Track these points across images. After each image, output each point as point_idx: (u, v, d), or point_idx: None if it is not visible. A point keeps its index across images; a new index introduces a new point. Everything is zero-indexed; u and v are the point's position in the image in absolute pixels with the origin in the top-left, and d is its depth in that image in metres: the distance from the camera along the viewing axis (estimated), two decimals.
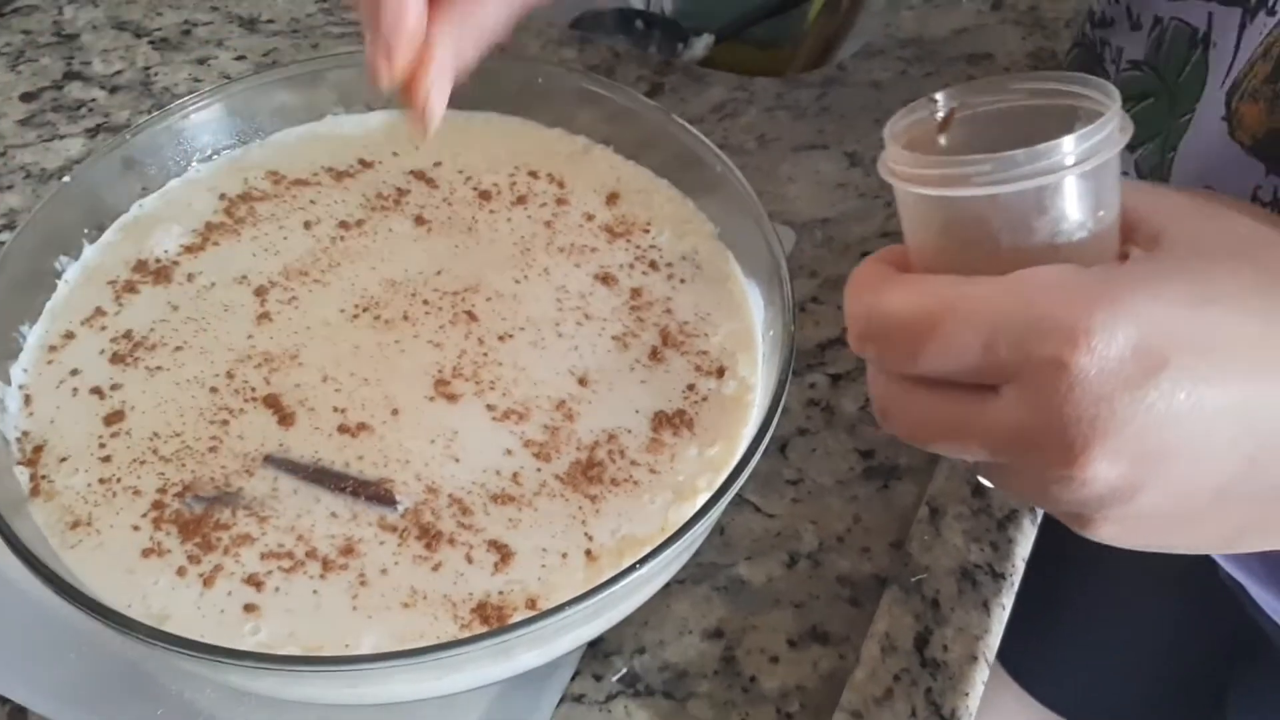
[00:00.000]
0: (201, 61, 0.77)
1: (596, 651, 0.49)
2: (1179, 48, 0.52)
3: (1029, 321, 0.32)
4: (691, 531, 0.43)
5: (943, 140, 0.37)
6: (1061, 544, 0.65)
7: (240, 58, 0.78)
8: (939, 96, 0.37)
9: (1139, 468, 0.32)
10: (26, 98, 0.75)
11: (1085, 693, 0.80)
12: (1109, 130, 0.33)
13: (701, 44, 0.96)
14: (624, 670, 0.49)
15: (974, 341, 0.32)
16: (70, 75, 0.77)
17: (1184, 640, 0.80)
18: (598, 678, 0.48)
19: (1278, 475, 0.33)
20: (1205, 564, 0.70)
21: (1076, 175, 0.33)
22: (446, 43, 0.46)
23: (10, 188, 0.69)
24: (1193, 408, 0.31)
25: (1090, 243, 0.34)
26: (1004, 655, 0.81)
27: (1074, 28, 0.79)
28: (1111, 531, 0.34)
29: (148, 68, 0.77)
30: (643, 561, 0.42)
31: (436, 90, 0.47)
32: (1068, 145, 0.32)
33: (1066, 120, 0.35)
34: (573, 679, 0.48)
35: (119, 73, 0.77)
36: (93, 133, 0.73)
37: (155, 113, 0.59)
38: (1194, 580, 0.75)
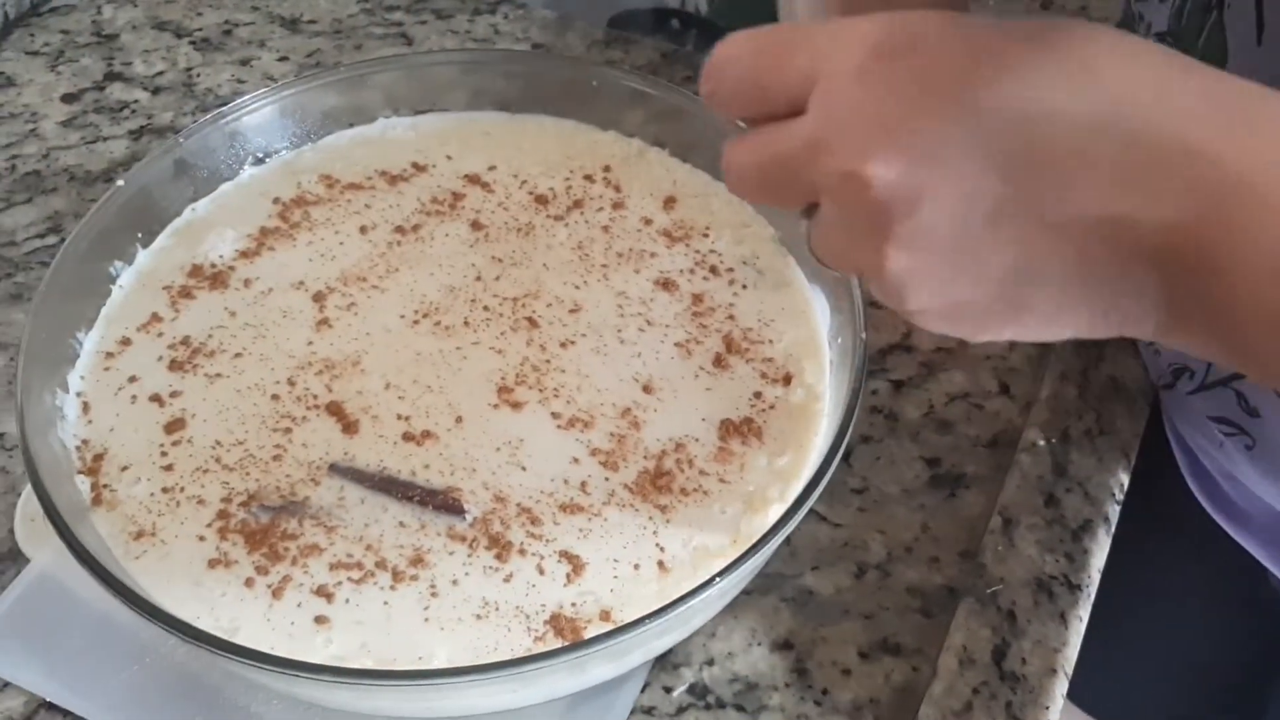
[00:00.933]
0: (244, 62, 0.77)
1: (665, 663, 0.48)
2: (1196, 13, 0.52)
3: (823, 45, 0.34)
4: (769, 544, 0.42)
5: None
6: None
7: (283, 58, 0.77)
8: None
9: (917, 168, 0.32)
10: (68, 99, 0.75)
11: (1128, 703, 0.79)
12: None
13: None
14: (693, 682, 0.48)
15: (781, 61, 0.35)
16: (111, 76, 0.76)
17: (1227, 650, 0.79)
18: (667, 690, 0.48)
19: (1045, 204, 0.33)
20: (1251, 575, 0.69)
21: None
22: None
23: (54, 190, 0.69)
24: (967, 111, 0.32)
25: None
26: None
27: (1086, 16, 0.78)
28: (901, 266, 0.34)
29: (189, 68, 0.77)
30: (722, 574, 0.41)
31: None
32: None
33: None
34: (642, 691, 0.47)
35: (160, 73, 0.76)
36: (136, 134, 0.72)
37: (207, 115, 0.58)
38: (1238, 590, 0.74)
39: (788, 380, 0.51)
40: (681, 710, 0.47)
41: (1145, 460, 0.69)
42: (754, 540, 0.45)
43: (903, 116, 0.32)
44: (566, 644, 0.43)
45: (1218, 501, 0.66)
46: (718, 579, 0.41)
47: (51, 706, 0.47)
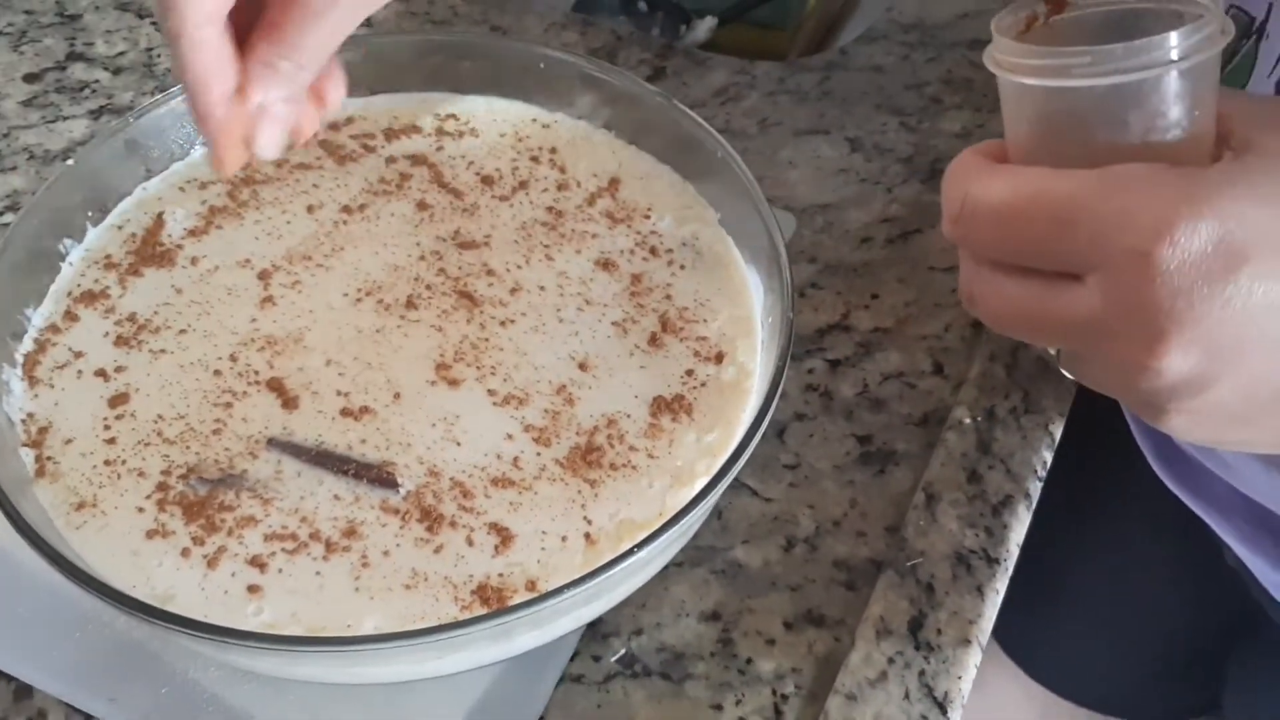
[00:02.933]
0: None
1: (595, 633, 0.50)
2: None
3: (1115, 212, 0.33)
4: (689, 516, 0.43)
5: (1050, 39, 0.38)
6: (1059, 526, 0.66)
7: None
8: None
9: (1213, 361, 0.33)
10: (30, 79, 0.76)
11: (1082, 672, 0.81)
12: (1210, 30, 0.34)
13: (704, 26, 0.95)
14: (622, 651, 0.49)
15: (1059, 230, 0.34)
16: (73, 56, 0.77)
17: (1182, 619, 0.80)
18: (596, 659, 0.49)
19: None
20: (1209, 548, 0.71)
21: (1175, 72, 0.34)
22: (269, 85, 0.43)
23: (14, 169, 0.70)
24: (1270, 305, 0.32)
25: (1184, 143, 0.35)
26: (1001, 635, 0.82)
27: None
28: (1180, 423, 0.35)
29: (150, 49, 0.77)
30: (640, 545, 0.42)
31: (263, 137, 0.44)
32: (1169, 41, 0.33)
33: (1169, 25, 0.35)
34: (571, 659, 0.49)
35: (122, 54, 0.77)
36: (96, 114, 0.73)
37: (158, 95, 0.59)
38: (1194, 561, 0.75)
39: (720, 358, 0.52)
40: (609, 678, 0.48)
41: (1106, 436, 0.71)
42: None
43: (1196, 315, 0.32)
44: (489, 610, 0.44)
45: (1182, 479, 0.67)
46: (636, 549, 0.42)
47: None
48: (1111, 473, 0.77)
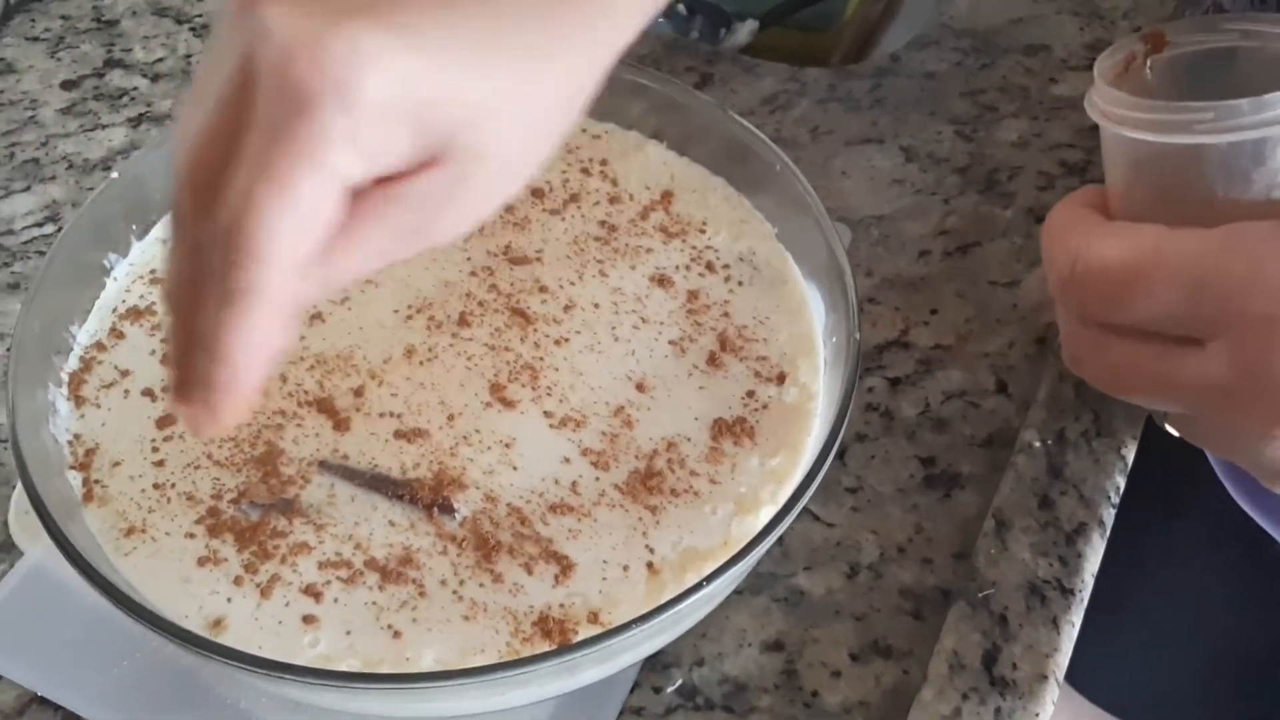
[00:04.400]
0: None
1: (654, 663, 0.48)
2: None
3: (1241, 275, 0.31)
4: (759, 548, 0.42)
5: (1148, 76, 0.36)
6: (1113, 540, 0.64)
7: None
8: (1148, 33, 0.36)
9: None
10: (67, 85, 0.75)
11: (1139, 691, 0.79)
12: None
13: (745, 29, 0.94)
14: (682, 682, 0.48)
15: (1181, 295, 0.32)
16: (111, 63, 0.76)
17: (1242, 636, 0.79)
18: (656, 690, 0.48)
19: None
20: (1270, 562, 0.69)
21: None
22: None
23: (53, 179, 0.69)
24: None
25: None
26: None
27: (1133, 19, 0.77)
28: None
29: (189, 55, 0.76)
30: (710, 579, 0.41)
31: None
32: None
33: (1276, 67, 0.33)
34: (631, 691, 0.47)
35: (160, 60, 0.76)
36: (135, 122, 0.72)
37: None
38: (1254, 578, 0.74)
39: (781, 379, 0.51)
40: (670, 711, 0.47)
41: (1163, 449, 0.69)
42: (744, 542, 0.45)
43: None
44: (554, 647, 0.42)
45: (1255, 495, 0.65)
46: (707, 582, 0.41)
47: (43, 701, 0.47)
48: (1169, 485, 0.75)
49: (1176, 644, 0.79)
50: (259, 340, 0.31)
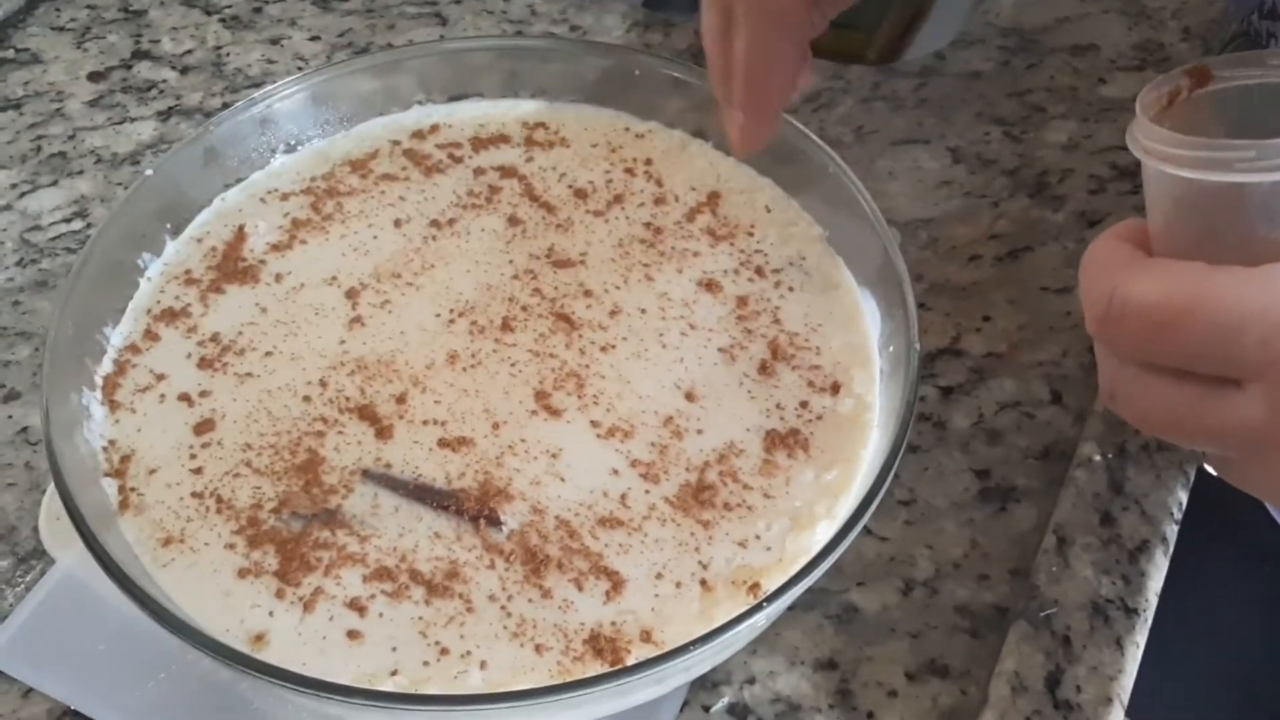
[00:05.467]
0: (274, 41, 0.75)
1: (704, 680, 0.47)
2: None
3: (1275, 322, 0.30)
4: (819, 569, 0.40)
5: (1191, 114, 0.35)
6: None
7: (314, 38, 0.75)
8: (1191, 67, 0.35)
9: None
10: (94, 77, 0.73)
11: (1178, 711, 0.77)
12: None
13: None
14: (733, 701, 0.46)
15: (1221, 335, 0.31)
16: (139, 54, 0.75)
17: (1277, 657, 0.77)
18: (706, 709, 0.46)
19: None
20: None
21: None
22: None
23: (80, 173, 0.67)
24: None
25: None
26: None
27: (1181, 18, 0.75)
28: None
29: (219, 47, 0.75)
30: (771, 599, 0.40)
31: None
32: None
33: None
34: (681, 710, 0.46)
35: (189, 52, 0.75)
36: (164, 116, 0.70)
37: (237, 99, 0.56)
38: None
39: (836, 389, 0.49)
40: None
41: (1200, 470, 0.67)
42: (799, 559, 0.44)
43: None
44: (607, 668, 0.41)
45: None
46: (766, 604, 0.40)
47: (75, 714, 0.46)
48: (1211, 510, 0.74)
49: (1216, 670, 0.77)
50: (778, 62, 0.43)
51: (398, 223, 0.55)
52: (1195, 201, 0.33)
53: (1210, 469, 0.36)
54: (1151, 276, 0.33)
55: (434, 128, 0.60)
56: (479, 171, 0.58)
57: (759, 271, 0.54)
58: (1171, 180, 0.33)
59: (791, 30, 0.42)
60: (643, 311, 0.52)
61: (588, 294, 0.52)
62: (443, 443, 0.47)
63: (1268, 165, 0.31)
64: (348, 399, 0.49)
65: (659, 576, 0.44)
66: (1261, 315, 0.31)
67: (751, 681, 0.47)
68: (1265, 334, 0.30)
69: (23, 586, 0.50)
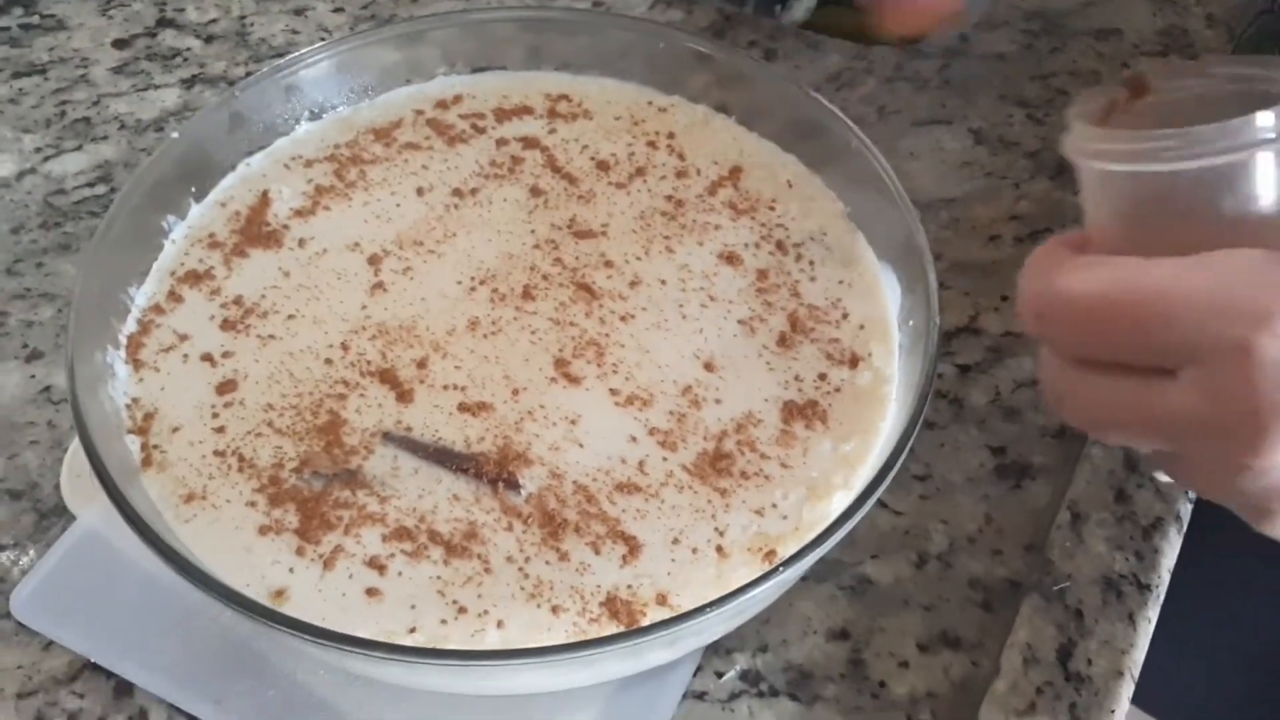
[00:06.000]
0: (298, 12, 0.75)
1: (717, 647, 0.47)
2: None
3: (1212, 304, 0.30)
4: (834, 537, 0.41)
5: (1132, 125, 0.35)
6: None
7: (338, 9, 0.75)
8: (1129, 77, 0.35)
9: None
10: (119, 44, 0.74)
11: (1192, 699, 0.77)
12: None
13: (802, 6, 0.92)
14: (745, 668, 0.47)
15: (1151, 323, 0.31)
16: (163, 22, 0.75)
17: None
18: (719, 674, 0.47)
19: None
20: None
21: (1271, 153, 0.31)
22: None
23: (105, 139, 0.68)
24: None
25: (1276, 223, 0.32)
26: None
27: (1206, 4, 0.75)
28: None
29: (243, 17, 0.75)
30: (787, 564, 0.40)
31: None
32: (1261, 121, 0.31)
33: (1257, 106, 0.32)
34: (694, 674, 0.46)
35: (214, 21, 0.75)
36: (188, 84, 0.71)
37: (262, 66, 0.57)
38: None
39: (854, 362, 0.50)
40: (734, 696, 0.46)
41: None
42: (816, 528, 0.44)
43: None
44: (622, 629, 0.41)
45: None
46: (781, 569, 0.40)
47: (95, 667, 0.47)
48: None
49: (1226, 650, 0.77)
50: None
51: (420, 191, 0.56)
52: (1126, 195, 0.33)
53: (1161, 476, 0.36)
54: (1084, 270, 0.33)
55: (457, 98, 0.60)
56: (502, 142, 0.58)
57: (780, 245, 0.54)
58: (1100, 176, 0.34)
59: None
60: (663, 282, 0.52)
61: (608, 264, 0.53)
62: (463, 407, 0.48)
63: (1193, 153, 0.31)
64: (369, 362, 0.49)
65: (675, 542, 0.44)
66: (1190, 302, 0.31)
67: (764, 649, 0.47)
68: (1194, 320, 0.30)
69: (44, 542, 0.51)
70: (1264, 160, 0.31)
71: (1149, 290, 0.31)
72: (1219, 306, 0.30)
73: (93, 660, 0.47)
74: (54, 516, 0.52)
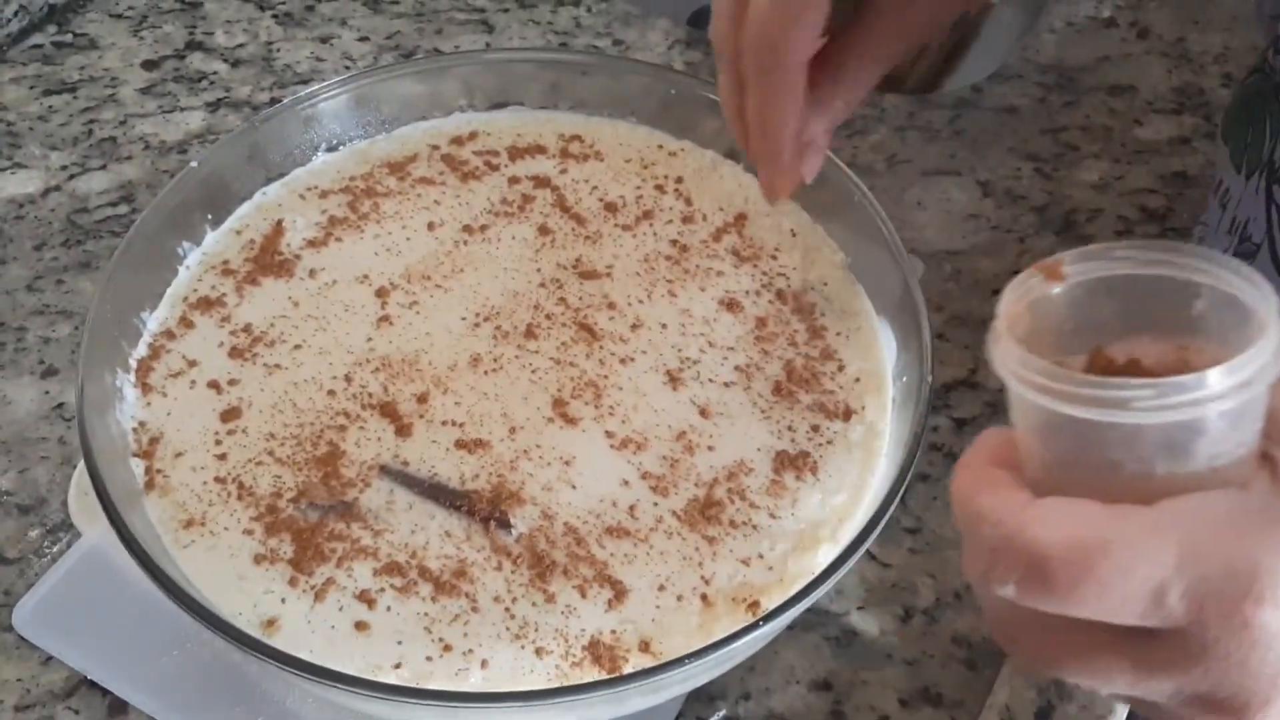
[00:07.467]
0: (324, 40, 0.77)
1: (700, 693, 0.48)
2: None
3: (1200, 571, 0.28)
4: (817, 591, 0.41)
5: (1045, 311, 0.34)
6: None
7: (363, 38, 0.77)
8: (1043, 264, 0.33)
9: None
10: (148, 65, 0.75)
11: None
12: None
13: None
14: (727, 716, 0.47)
15: (1139, 588, 0.29)
16: (192, 45, 0.77)
17: None
18: None
19: None
20: None
21: (1249, 396, 0.29)
22: (827, 122, 0.47)
23: (129, 159, 0.69)
24: None
25: (1244, 459, 0.31)
26: None
27: (1223, 64, 0.75)
28: None
29: (270, 42, 0.77)
30: (769, 618, 0.40)
31: (809, 165, 0.48)
32: (1246, 366, 0.29)
33: (1185, 289, 0.31)
34: (676, 719, 0.47)
35: (241, 45, 0.76)
36: (213, 107, 0.72)
37: (284, 97, 0.58)
38: None
39: (848, 415, 0.50)
40: None
41: None
42: (800, 580, 0.44)
43: None
44: (604, 674, 0.42)
45: None
46: (763, 622, 0.41)
47: (91, 684, 0.48)
48: None
49: None
50: (790, 119, 0.45)
51: (431, 226, 0.57)
52: (1081, 436, 0.30)
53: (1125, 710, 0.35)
54: (1053, 522, 0.30)
55: (473, 134, 0.61)
56: (514, 180, 0.59)
57: (780, 294, 0.55)
58: (1059, 417, 0.30)
59: (797, 91, 0.44)
60: (664, 326, 0.53)
61: (611, 306, 0.54)
62: (460, 444, 0.48)
63: (1168, 404, 0.29)
64: (370, 395, 0.50)
65: (661, 588, 0.45)
66: (1178, 567, 0.28)
67: (747, 697, 0.48)
68: (1185, 588, 0.28)
69: (49, 557, 0.52)
70: (1246, 402, 0.29)
71: (1129, 551, 0.29)
72: (1206, 574, 0.28)
73: (89, 677, 0.48)
74: (60, 532, 0.53)
